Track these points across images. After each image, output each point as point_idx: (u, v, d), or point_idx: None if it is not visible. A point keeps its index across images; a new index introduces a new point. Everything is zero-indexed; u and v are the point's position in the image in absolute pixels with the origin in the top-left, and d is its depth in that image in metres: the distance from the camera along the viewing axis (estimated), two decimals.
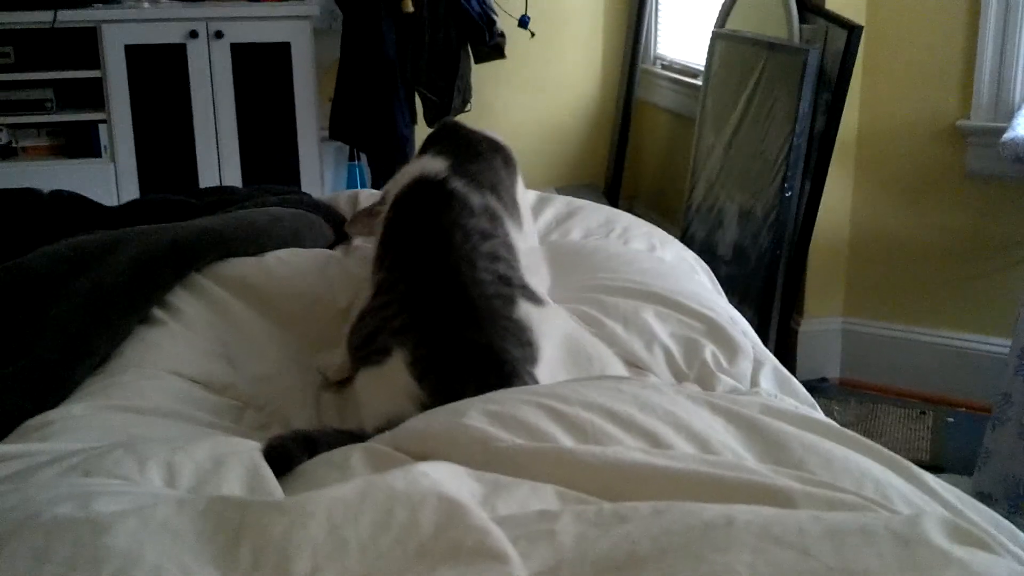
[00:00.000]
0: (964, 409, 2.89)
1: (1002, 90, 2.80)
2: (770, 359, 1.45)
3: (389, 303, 1.25)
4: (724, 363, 1.38)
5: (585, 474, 0.89)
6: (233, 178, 3.50)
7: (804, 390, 1.42)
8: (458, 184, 1.34)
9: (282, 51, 3.47)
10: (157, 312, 1.40)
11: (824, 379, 3.14)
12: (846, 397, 3.03)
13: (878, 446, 1.03)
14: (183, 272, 1.45)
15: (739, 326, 1.51)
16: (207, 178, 3.50)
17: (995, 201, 2.83)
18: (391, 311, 1.24)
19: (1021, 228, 2.74)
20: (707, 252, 3.29)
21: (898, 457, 1.02)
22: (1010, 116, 2.68)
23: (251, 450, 0.96)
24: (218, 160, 3.51)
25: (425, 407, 1.14)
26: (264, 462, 0.95)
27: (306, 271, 1.55)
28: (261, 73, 3.49)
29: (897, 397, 3.02)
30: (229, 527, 0.74)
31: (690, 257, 1.89)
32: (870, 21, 2.89)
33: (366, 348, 1.24)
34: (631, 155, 4.06)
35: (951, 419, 2.86)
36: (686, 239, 3.43)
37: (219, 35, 3.43)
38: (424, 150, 1.50)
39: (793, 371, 3.10)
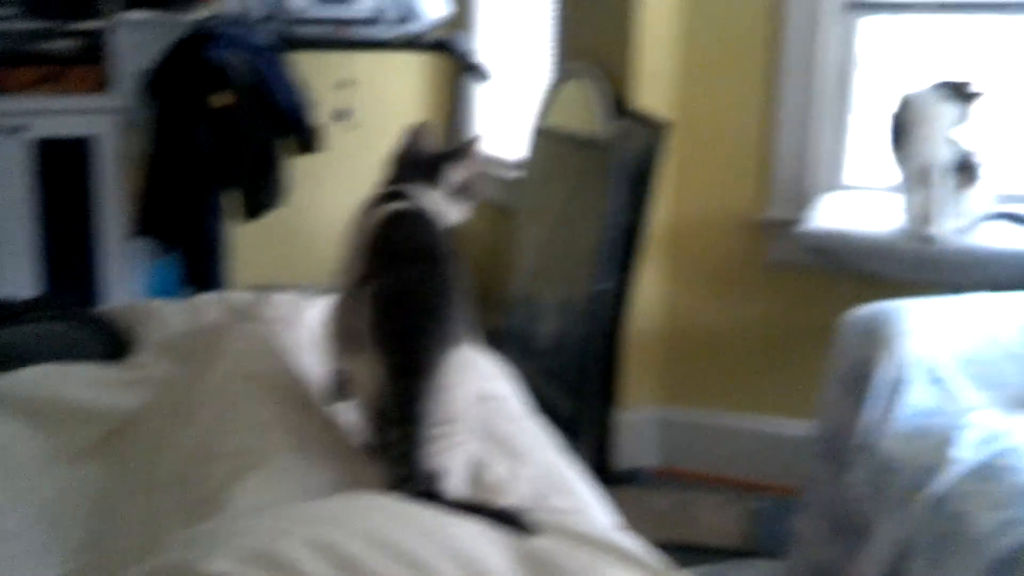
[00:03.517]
0: (777, 493, 2.96)
1: (798, 183, 2.94)
2: (548, 463, 1.45)
3: None
4: (508, 473, 1.37)
5: None
6: (29, 282, 3.32)
7: (586, 488, 1.43)
8: None
9: (87, 146, 3.35)
10: None
11: (642, 468, 3.18)
12: (663, 486, 3.07)
13: (644, 557, 1.03)
14: None
15: (523, 430, 1.52)
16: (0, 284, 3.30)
17: (795, 289, 2.96)
18: None
19: (819, 315, 2.84)
20: (527, 343, 3.31)
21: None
22: (806, 208, 2.81)
23: None
24: (11, 263, 3.32)
25: None
26: None
27: (72, 383, 1.46)
28: (63, 169, 3.35)
29: (713, 483, 3.07)
30: None
31: (487, 362, 1.88)
32: (678, 118, 3.00)
33: None
34: (460, 247, 4.07)
35: (763, 504, 2.92)
36: (508, 331, 3.44)
37: (16, 130, 3.28)
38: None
39: (611, 461, 3.14)
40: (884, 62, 2.91)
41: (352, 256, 1.44)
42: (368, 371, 1.32)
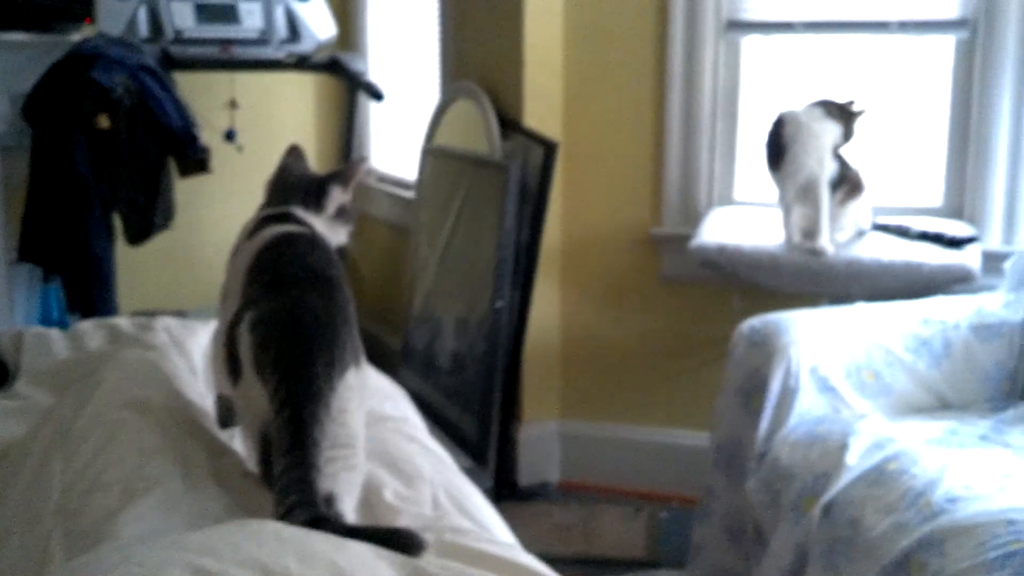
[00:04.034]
0: (677, 503, 2.99)
1: (688, 199, 2.99)
2: (446, 483, 1.44)
3: None
4: (404, 493, 1.35)
5: None
6: None
7: (484, 506, 1.42)
8: None
9: None
10: None
11: (546, 483, 3.18)
12: (567, 500, 3.07)
13: (540, 574, 1.02)
14: None
15: (420, 450, 1.50)
16: None
17: (687, 303, 3.00)
18: None
19: (711, 327, 2.90)
20: (427, 362, 3.28)
21: None
22: (696, 223, 2.86)
23: None
24: None
25: None
26: None
27: None
28: None
29: (615, 495, 3.09)
30: None
31: (381, 383, 1.86)
32: (566, 137, 3.03)
33: None
34: (350, 267, 4.03)
35: (665, 514, 2.95)
36: (407, 350, 3.42)
37: None
38: None
39: (515, 477, 3.14)
40: (772, 80, 2.98)
41: (234, 280, 1.40)
42: (251, 399, 1.28)
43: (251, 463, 1.36)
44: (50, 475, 1.33)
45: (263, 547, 0.98)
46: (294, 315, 1.29)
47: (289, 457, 1.19)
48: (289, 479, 1.18)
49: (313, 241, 1.42)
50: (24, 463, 1.39)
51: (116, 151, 3.10)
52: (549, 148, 2.90)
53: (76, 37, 3.42)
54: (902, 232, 2.65)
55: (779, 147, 2.59)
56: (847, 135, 2.59)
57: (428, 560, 1.03)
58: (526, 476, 3.16)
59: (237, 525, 1.08)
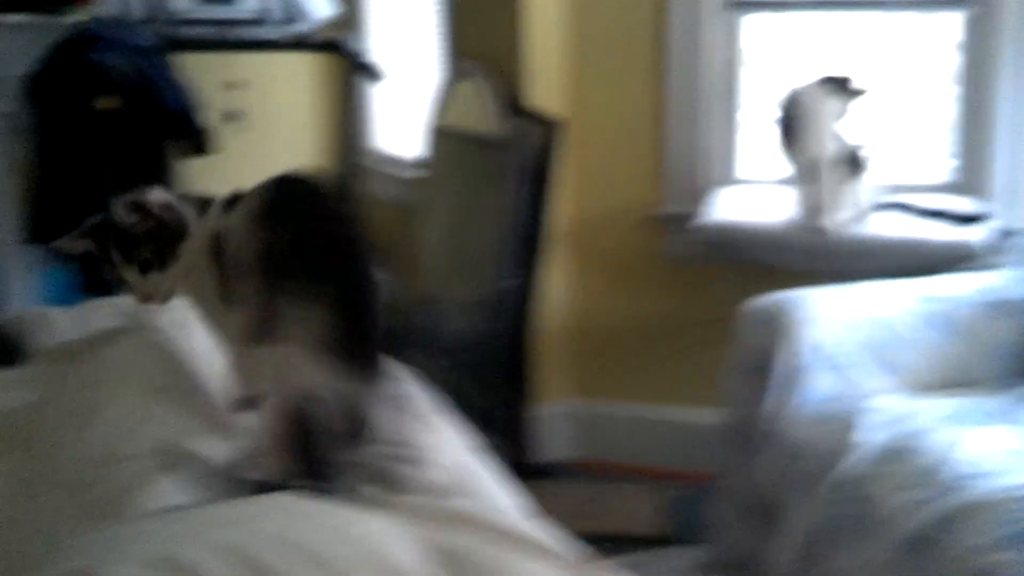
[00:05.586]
0: (691, 481, 2.98)
1: (690, 178, 2.97)
2: (455, 461, 1.43)
3: None
4: (411, 472, 1.34)
5: None
6: None
7: (496, 483, 1.42)
8: None
9: None
10: None
11: (559, 461, 3.17)
12: (580, 478, 3.07)
13: (558, 549, 1.01)
14: None
15: (428, 428, 1.49)
16: None
17: (692, 283, 2.99)
18: None
19: (716, 307, 2.87)
20: (433, 343, 3.27)
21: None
22: (699, 202, 2.85)
23: None
24: None
25: None
26: None
27: None
28: None
29: (629, 473, 3.08)
30: None
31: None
32: (572, 116, 3.01)
33: None
34: None
35: (679, 492, 2.94)
36: (413, 330, 3.41)
37: None
38: None
39: (529, 456, 3.13)
40: (773, 59, 2.97)
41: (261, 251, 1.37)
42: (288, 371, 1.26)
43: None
44: (65, 447, 1.33)
45: (284, 521, 0.98)
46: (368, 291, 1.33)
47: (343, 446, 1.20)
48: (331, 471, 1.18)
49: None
50: (34, 437, 1.38)
51: (119, 133, 3.09)
52: (554, 127, 2.88)
53: (73, 18, 3.40)
54: (908, 209, 2.64)
55: (789, 125, 2.58)
56: (846, 113, 2.58)
57: (441, 535, 1.02)
58: (540, 454, 3.15)
59: (257, 499, 1.07)
